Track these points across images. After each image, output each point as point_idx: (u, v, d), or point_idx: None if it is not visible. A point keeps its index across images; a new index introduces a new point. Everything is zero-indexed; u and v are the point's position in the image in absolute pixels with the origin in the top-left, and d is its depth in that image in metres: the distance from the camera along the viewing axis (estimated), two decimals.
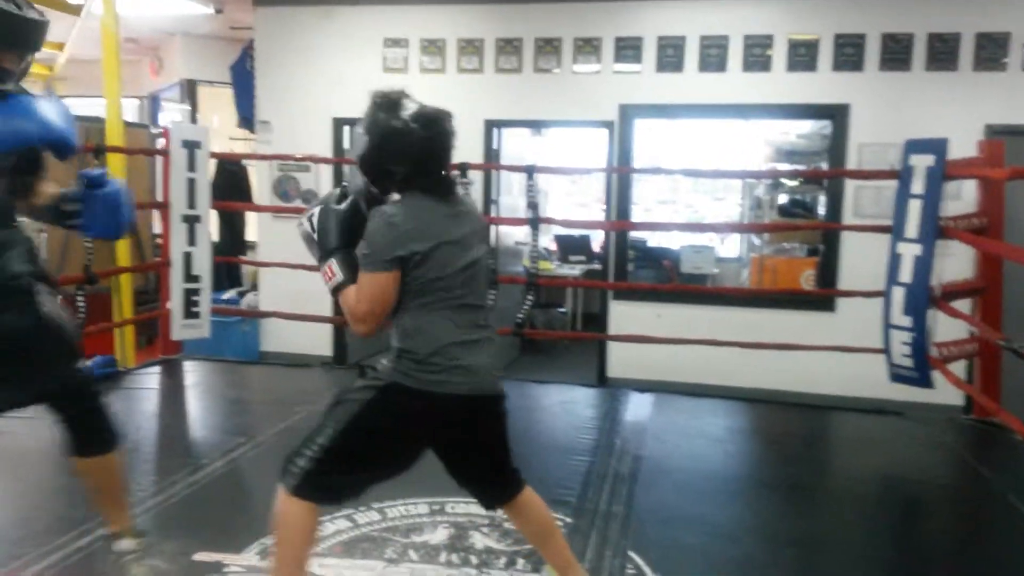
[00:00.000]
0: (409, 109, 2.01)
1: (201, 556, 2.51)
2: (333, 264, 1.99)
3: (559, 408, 4.47)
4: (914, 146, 3.97)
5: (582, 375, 5.99)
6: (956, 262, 4.29)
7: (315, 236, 2.02)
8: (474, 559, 2.56)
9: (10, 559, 2.48)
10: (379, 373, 2.03)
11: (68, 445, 2.28)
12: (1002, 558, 2.77)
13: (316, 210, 2.04)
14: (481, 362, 2.02)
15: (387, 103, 2.03)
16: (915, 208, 3.83)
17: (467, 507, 2.87)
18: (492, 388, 2.08)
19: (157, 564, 2.41)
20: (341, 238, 2.00)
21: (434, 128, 2.00)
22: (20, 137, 2.05)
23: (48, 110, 2.11)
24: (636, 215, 6.47)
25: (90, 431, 2.29)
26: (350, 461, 1.99)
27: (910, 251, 3.85)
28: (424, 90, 5.85)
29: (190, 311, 4.73)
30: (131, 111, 8.81)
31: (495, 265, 2.23)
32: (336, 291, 1.99)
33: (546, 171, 5.41)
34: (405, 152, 1.97)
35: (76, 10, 6.12)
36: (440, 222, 1.98)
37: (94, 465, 2.31)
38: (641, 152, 6.04)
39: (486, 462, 2.17)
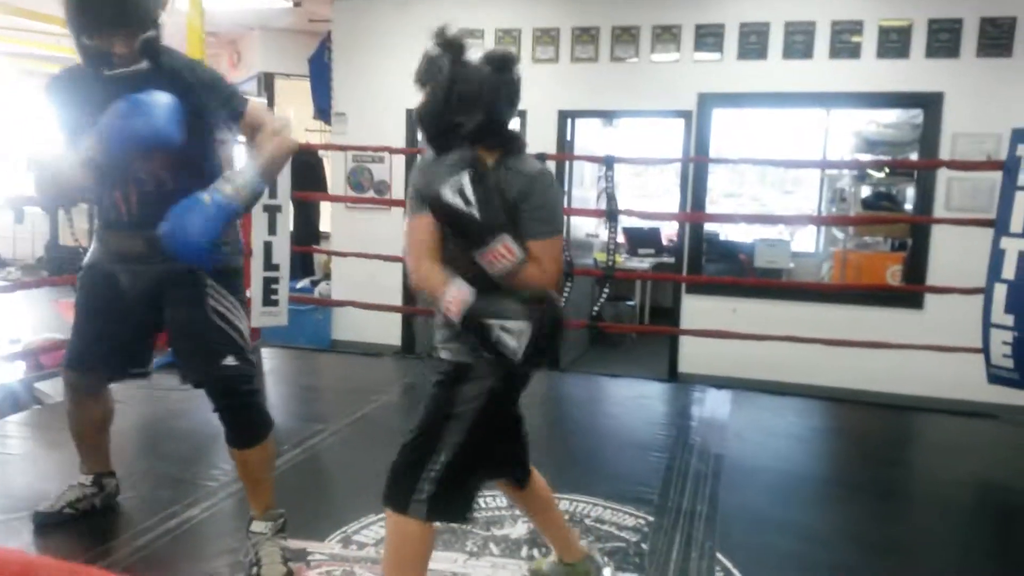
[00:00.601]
0: (475, 51, 1.79)
1: (286, 544, 2.52)
2: (509, 241, 1.71)
3: (632, 403, 4.38)
4: (1022, 135, 3.74)
5: (652, 370, 5.89)
6: None
7: (474, 211, 1.69)
8: (495, 548, 2.52)
9: (96, 544, 2.54)
10: (459, 360, 1.86)
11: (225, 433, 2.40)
12: None
13: (464, 181, 1.70)
14: None
15: (450, 44, 1.78)
16: (1021, 201, 3.61)
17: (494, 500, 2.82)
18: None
19: (287, 546, 2.41)
20: (504, 214, 1.73)
21: (508, 69, 1.78)
22: (131, 143, 2.08)
23: (159, 106, 2.06)
24: (707, 208, 6.32)
25: (235, 426, 2.38)
26: (473, 467, 1.88)
27: (1015, 246, 3.63)
28: None
29: (269, 299, 4.79)
30: None
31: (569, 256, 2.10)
32: (515, 271, 1.73)
33: (625, 162, 5.31)
34: (478, 98, 1.73)
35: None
36: None
37: (240, 456, 2.41)
38: (718, 143, 5.89)
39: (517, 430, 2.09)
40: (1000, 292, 3.67)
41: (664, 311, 7.04)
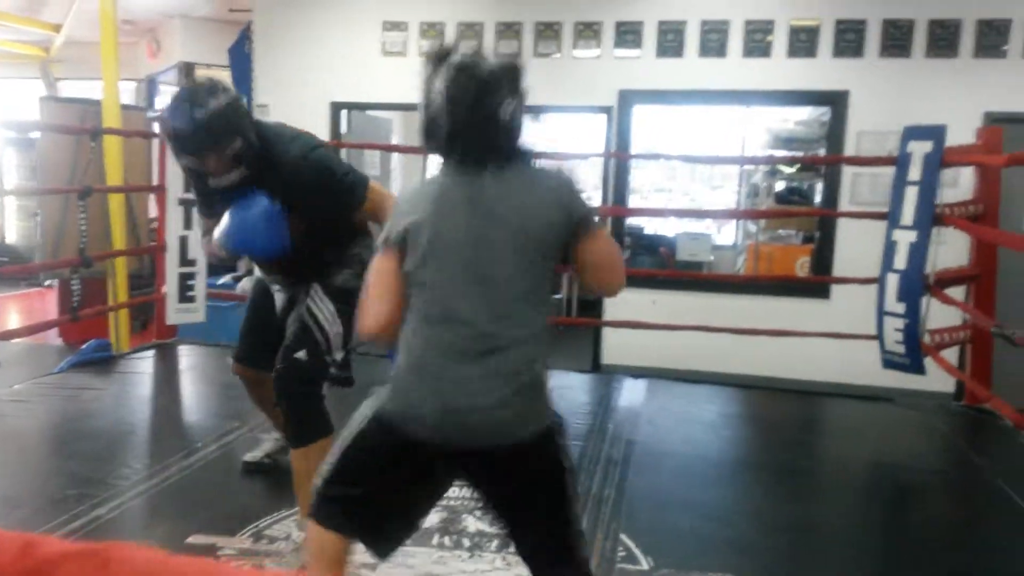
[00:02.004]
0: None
1: (195, 539, 2.52)
2: None
3: (554, 394, 4.46)
4: (912, 132, 3.96)
5: (577, 361, 6.00)
6: (949, 249, 4.29)
7: None
8: (467, 542, 2.57)
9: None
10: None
11: None
12: (994, 543, 2.79)
13: None
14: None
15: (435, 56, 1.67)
16: (912, 195, 3.83)
17: (460, 491, 2.87)
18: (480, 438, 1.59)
19: None
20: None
21: (451, 77, 1.61)
22: (243, 252, 2.44)
23: (260, 223, 2.27)
24: (633, 203, 6.46)
25: (287, 419, 2.45)
26: (349, 488, 1.75)
27: (905, 238, 3.85)
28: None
29: (185, 295, 4.72)
30: (128, 94, 8.78)
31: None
32: None
33: (545, 157, 5.38)
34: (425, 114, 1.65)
35: None
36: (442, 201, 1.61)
37: (291, 454, 2.49)
38: (639, 138, 6.02)
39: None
40: (892, 282, 3.89)
41: (591, 304, 7.16)
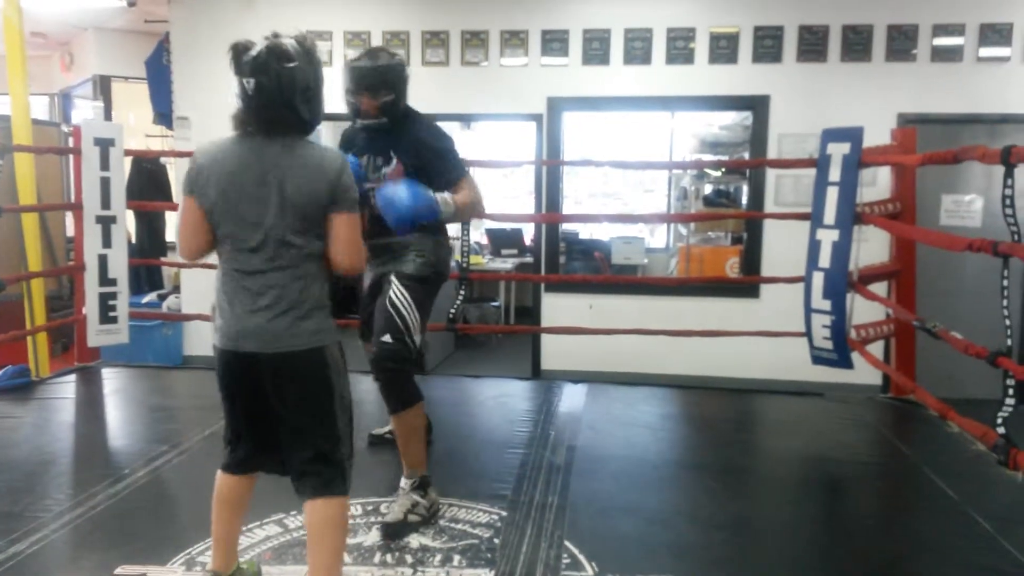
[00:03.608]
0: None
1: (123, 570, 2.41)
2: None
3: (493, 402, 4.45)
4: (831, 135, 4.08)
5: (517, 368, 6.00)
6: (871, 247, 4.44)
7: None
8: (409, 558, 2.53)
9: None
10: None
11: None
12: (922, 530, 2.89)
13: None
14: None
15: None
16: (832, 195, 3.95)
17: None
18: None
19: (420, 501, 2.76)
20: None
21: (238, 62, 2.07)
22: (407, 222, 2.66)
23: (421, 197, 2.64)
24: (567, 208, 6.51)
25: (383, 392, 2.84)
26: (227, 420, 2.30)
27: (828, 237, 3.97)
28: None
29: (107, 316, 4.53)
30: (41, 108, 8.43)
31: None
32: None
33: (476, 165, 5.37)
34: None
35: None
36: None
37: (392, 419, 2.88)
38: (570, 145, 6.07)
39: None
40: (818, 280, 4.00)
41: (528, 310, 7.18)
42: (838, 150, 3.95)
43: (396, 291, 2.86)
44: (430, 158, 2.87)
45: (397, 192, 2.60)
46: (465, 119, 7.26)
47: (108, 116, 7.49)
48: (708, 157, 6.50)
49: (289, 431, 2.15)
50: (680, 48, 5.66)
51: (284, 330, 2.05)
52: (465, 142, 7.59)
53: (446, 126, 7.11)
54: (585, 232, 7.41)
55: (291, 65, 2.05)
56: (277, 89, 2.02)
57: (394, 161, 2.91)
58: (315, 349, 2.09)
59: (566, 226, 6.71)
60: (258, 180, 2.02)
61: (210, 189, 2.04)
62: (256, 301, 2.05)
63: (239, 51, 2.05)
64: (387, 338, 2.80)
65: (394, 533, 2.66)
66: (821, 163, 4.04)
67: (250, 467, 2.27)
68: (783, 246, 5.42)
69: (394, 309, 2.83)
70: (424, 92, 6.07)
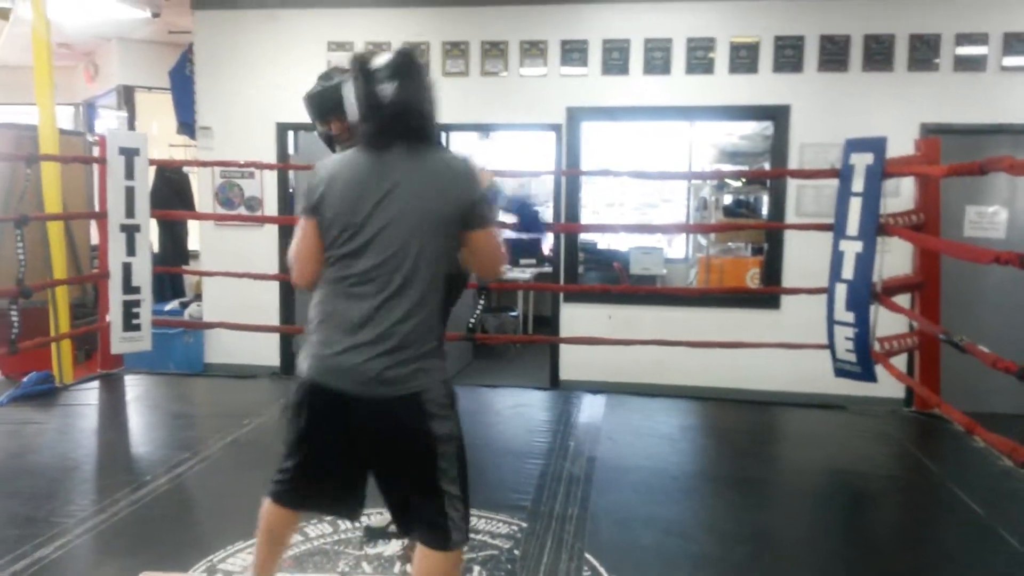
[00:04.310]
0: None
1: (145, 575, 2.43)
2: None
3: (512, 412, 4.45)
4: (854, 145, 4.06)
5: (535, 378, 5.99)
6: (895, 258, 4.40)
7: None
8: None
9: None
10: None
11: None
12: (948, 545, 2.84)
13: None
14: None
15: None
16: (856, 206, 3.92)
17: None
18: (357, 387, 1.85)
19: None
20: None
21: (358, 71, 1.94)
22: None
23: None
24: (585, 218, 6.50)
25: None
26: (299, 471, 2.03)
27: (852, 248, 3.94)
28: None
29: (130, 323, 4.58)
30: (66, 118, 8.55)
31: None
32: None
33: (496, 175, 5.38)
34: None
35: (4, 14, 5.90)
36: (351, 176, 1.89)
37: None
38: (589, 154, 6.06)
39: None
40: (841, 291, 3.97)
41: (546, 320, 7.17)
42: (861, 160, 3.93)
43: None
44: None
45: None
46: (484, 129, 7.27)
47: (131, 126, 7.59)
48: (728, 167, 6.47)
49: (394, 483, 1.97)
50: (700, 58, 5.65)
51: (385, 370, 1.83)
52: (484, 152, 7.61)
53: (465, 137, 7.15)
54: (603, 242, 7.40)
55: (426, 72, 1.96)
56: (415, 95, 1.89)
57: None
58: (415, 395, 1.85)
59: (584, 236, 6.70)
60: (387, 192, 1.84)
61: (331, 205, 1.87)
62: (361, 333, 1.84)
63: (365, 60, 1.91)
64: None
65: (374, 535, 2.70)
66: (844, 173, 4.01)
67: (313, 507, 2.14)
68: (804, 257, 5.38)
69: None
70: (444, 102, 6.12)
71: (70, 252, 5.80)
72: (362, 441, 1.89)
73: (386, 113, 1.86)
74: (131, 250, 4.57)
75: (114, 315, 4.58)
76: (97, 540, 2.70)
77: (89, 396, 4.56)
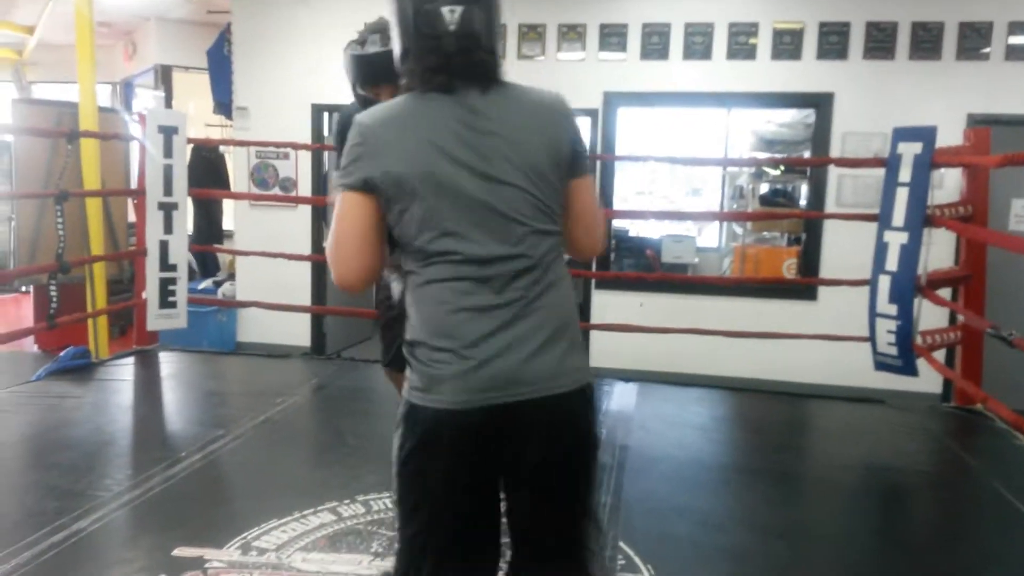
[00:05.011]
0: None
1: (181, 551, 2.44)
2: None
3: None
4: (902, 134, 3.95)
5: None
6: (936, 250, 4.29)
7: None
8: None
9: None
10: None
11: None
12: (989, 545, 2.77)
13: None
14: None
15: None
16: (902, 196, 3.82)
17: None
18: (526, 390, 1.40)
19: None
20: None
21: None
22: None
23: None
24: (615, 205, 6.43)
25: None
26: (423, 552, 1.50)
27: (897, 239, 3.84)
28: None
29: (166, 301, 4.62)
30: (104, 97, 8.63)
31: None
32: None
33: None
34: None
35: None
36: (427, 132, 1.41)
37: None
38: (623, 141, 5.99)
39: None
40: (884, 283, 3.88)
41: (578, 307, 7.12)
42: (909, 150, 3.82)
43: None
44: None
45: None
46: None
47: (168, 105, 7.64)
48: (765, 155, 6.35)
49: (539, 512, 1.50)
50: (741, 43, 5.54)
51: (556, 365, 1.43)
52: None
53: None
54: (634, 230, 7.32)
55: None
56: (486, 21, 1.46)
57: None
58: (585, 388, 1.48)
59: (616, 223, 6.63)
60: (481, 144, 1.40)
61: (398, 171, 1.39)
62: (512, 329, 1.40)
63: None
64: None
65: None
66: (891, 163, 3.91)
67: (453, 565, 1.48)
68: (843, 248, 5.27)
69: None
70: None
71: (108, 229, 5.86)
72: (514, 463, 1.45)
73: (451, 44, 1.43)
74: (168, 228, 4.60)
75: (151, 292, 4.62)
76: (132, 515, 2.73)
77: (124, 372, 4.62)
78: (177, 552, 2.43)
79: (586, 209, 1.53)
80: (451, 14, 1.42)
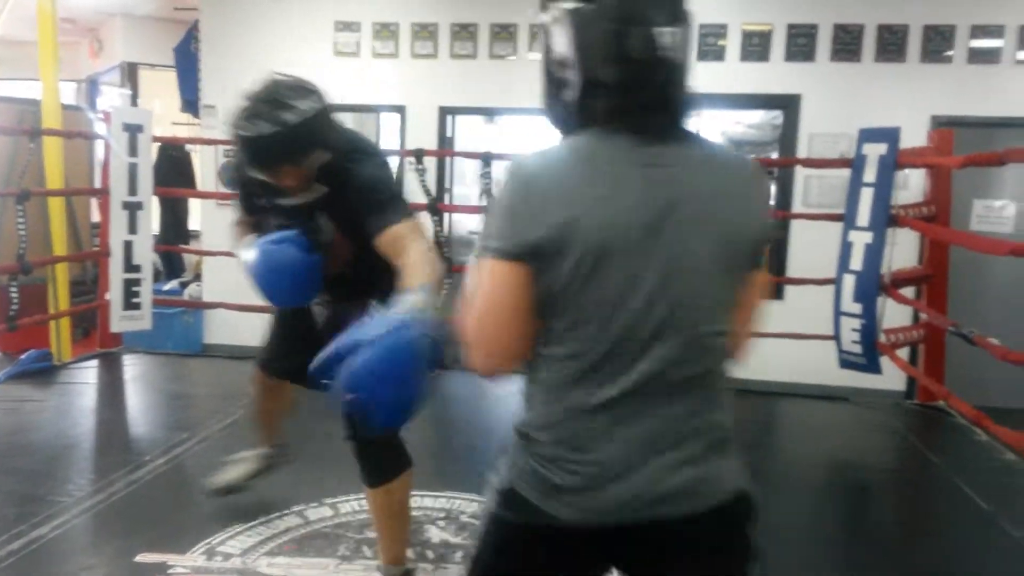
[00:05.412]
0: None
1: (144, 557, 2.40)
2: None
3: (514, 398, 4.41)
4: (868, 135, 4.01)
5: None
6: (900, 250, 4.35)
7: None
8: (431, 553, 2.50)
9: None
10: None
11: None
12: (952, 539, 2.82)
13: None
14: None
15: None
16: (867, 196, 3.87)
17: (422, 500, 2.81)
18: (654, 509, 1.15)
19: None
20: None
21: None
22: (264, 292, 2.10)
23: (289, 275, 2.05)
24: None
25: (368, 460, 2.14)
26: None
27: (861, 239, 3.90)
28: (377, 75, 5.79)
29: (130, 302, 4.55)
30: (68, 95, 8.48)
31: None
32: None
33: (503, 159, 5.34)
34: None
35: None
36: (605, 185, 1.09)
37: (372, 494, 2.18)
38: None
39: None
40: (849, 282, 3.93)
41: None
42: (874, 151, 3.88)
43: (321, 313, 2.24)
44: (358, 197, 1.97)
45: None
46: (490, 113, 7.20)
47: (134, 103, 7.52)
48: None
49: None
50: (711, 44, 5.58)
51: (705, 477, 1.19)
52: (488, 136, 7.55)
53: (471, 120, 7.07)
54: None
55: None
56: (684, 51, 1.14)
57: (328, 229, 2.09)
58: (743, 495, 1.26)
59: None
60: (666, 212, 1.08)
61: (577, 239, 1.06)
62: (659, 436, 1.14)
63: None
64: None
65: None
66: (856, 163, 3.96)
67: None
68: (809, 247, 5.32)
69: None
70: (451, 85, 6.06)
71: (71, 229, 5.75)
72: None
73: (661, 75, 1.11)
74: (133, 228, 4.53)
75: (114, 293, 4.55)
76: (95, 520, 2.68)
77: (87, 375, 4.54)
78: (140, 558, 2.40)
79: (749, 305, 1.25)
80: (667, 37, 1.10)
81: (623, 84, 1.10)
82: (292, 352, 2.27)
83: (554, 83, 1.18)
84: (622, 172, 1.09)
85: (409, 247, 1.85)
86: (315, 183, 2.01)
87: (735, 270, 1.14)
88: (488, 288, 1.12)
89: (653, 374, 1.11)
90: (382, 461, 2.13)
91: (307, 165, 1.95)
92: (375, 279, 2.05)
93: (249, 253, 2.09)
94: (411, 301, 1.61)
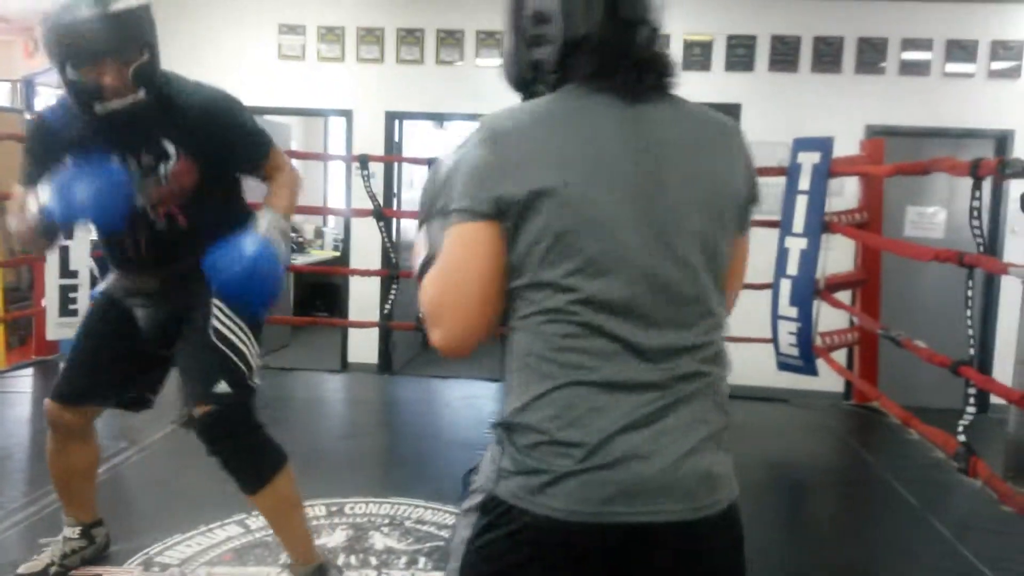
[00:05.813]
0: None
1: (78, 571, 2.35)
2: (425, 231, 1.11)
3: (461, 403, 4.43)
4: (802, 144, 4.13)
5: (488, 370, 5.97)
6: (835, 255, 4.50)
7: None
8: (374, 560, 2.50)
9: None
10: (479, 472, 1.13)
11: None
12: (884, 535, 2.92)
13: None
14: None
15: None
16: (802, 204, 3.99)
17: (366, 507, 2.81)
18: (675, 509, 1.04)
19: None
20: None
21: None
22: (78, 213, 1.90)
23: (105, 182, 1.89)
24: None
25: (241, 467, 2.05)
26: None
27: (797, 245, 4.01)
28: (323, 79, 5.77)
29: (67, 308, 4.43)
30: (3, 95, 8.23)
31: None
32: (421, 275, 1.10)
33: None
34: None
35: None
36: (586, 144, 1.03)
37: (258, 500, 2.11)
38: None
39: None
40: (785, 287, 4.04)
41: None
42: (808, 159, 4.00)
43: (223, 317, 2.01)
44: (222, 135, 2.01)
45: (237, 257, 1.92)
46: (438, 118, 7.22)
47: None
48: None
49: None
50: None
51: (712, 473, 1.10)
52: (439, 142, 7.56)
53: (419, 126, 7.08)
54: None
55: None
56: (663, 15, 1.12)
57: (172, 154, 1.97)
58: (734, 505, 1.15)
59: None
60: (653, 171, 1.04)
61: (553, 199, 0.99)
62: (665, 415, 1.04)
63: None
64: (223, 387, 1.97)
65: None
66: (791, 172, 4.08)
67: None
68: (750, 254, 5.46)
69: (225, 343, 2.00)
70: (398, 90, 6.07)
71: (4, 233, 5.59)
72: None
73: (646, 34, 1.09)
74: (68, 233, 4.41)
75: (50, 300, 4.43)
76: (27, 532, 2.61)
77: (22, 383, 4.41)
78: (75, 572, 2.34)
79: (740, 266, 1.21)
80: None
81: (611, 43, 1.06)
82: (99, 368, 2.17)
83: (525, 40, 1.11)
84: (607, 131, 1.04)
85: (283, 167, 2.14)
86: (137, 90, 1.89)
87: (725, 229, 1.10)
88: (451, 254, 1.03)
89: (662, 345, 1.04)
90: (256, 462, 2.05)
91: (130, 62, 1.86)
92: (209, 232, 1.96)
93: (43, 193, 1.88)
94: (269, 221, 2.00)
